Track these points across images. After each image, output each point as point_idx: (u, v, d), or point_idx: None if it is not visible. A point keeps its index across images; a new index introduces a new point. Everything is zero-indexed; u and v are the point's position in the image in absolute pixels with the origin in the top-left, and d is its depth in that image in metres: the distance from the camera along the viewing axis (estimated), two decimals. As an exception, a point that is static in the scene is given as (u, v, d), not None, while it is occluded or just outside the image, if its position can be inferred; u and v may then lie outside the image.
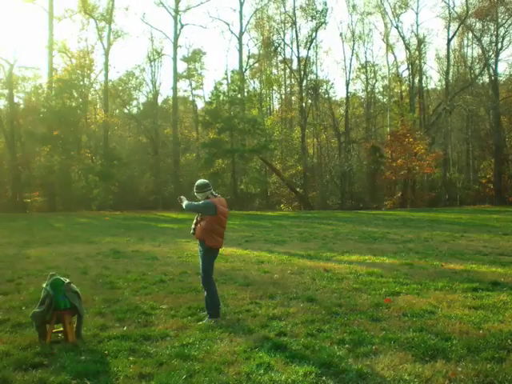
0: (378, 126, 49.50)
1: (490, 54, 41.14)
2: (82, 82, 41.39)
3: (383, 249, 12.65)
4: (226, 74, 43.37)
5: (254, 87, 49.00)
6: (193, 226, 6.48)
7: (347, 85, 44.97)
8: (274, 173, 42.58)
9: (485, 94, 41.59)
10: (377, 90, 50.37)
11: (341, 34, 45.68)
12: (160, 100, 51.74)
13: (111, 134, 45.12)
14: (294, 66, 47.82)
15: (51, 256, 12.22)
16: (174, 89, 44.19)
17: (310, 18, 44.40)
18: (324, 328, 5.67)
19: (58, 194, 39.74)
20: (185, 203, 6.45)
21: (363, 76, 48.27)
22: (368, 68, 47.53)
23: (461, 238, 14.88)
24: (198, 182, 6.54)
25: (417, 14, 44.65)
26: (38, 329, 5.34)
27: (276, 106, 53.46)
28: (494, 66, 41.56)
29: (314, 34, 44.43)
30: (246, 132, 36.97)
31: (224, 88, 38.84)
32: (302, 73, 44.38)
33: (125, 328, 5.78)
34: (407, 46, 44.41)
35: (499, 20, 40.00)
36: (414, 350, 4.86)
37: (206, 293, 6.30)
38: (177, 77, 44.87)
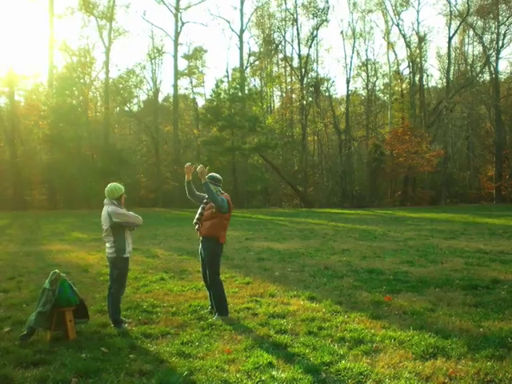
0: (378, 124, 49.45)
1: (491, 52, 41.13)
2: (82, 80, 41.38)
3: (384, 247, 12.65)
4: (226, 71, 43.54)
5: (254, 85, 49.00)
6: (197, 216, 6.29)
7: (348, 82, 45.02)
8: (274, 170, 42.58)
9: (485, 92, 41.54)
10: (377, 88, 50.36)
11: (341, 32, 45.54)
12: (161, 98, 51.78)
13: (112, 131, 45.09)
14: (295, 63, 47.82)
15: (52, 253, 12.23)
16: (175, 86, 44.21)
17: (311, 16, 44.40)
18: (324, 326, 5.68)
19: (59, 192, 39.74)
20: (206, 181, 6.03)
21: (364, 74, 48.27)
22: (369, 66, 47.50)
23: (461, 236, 14.88)
24: (215, 174, 6.38)
25: (418, 11, 44.74)
26: (45, 323, 5.32)
27: (277, 103, 53.48)
28: (494, 64, 41.61)
29: (315, 32, 44.46)
30: (246, 130, 36.96)
31: (225, 86, 38.87)
32: (303, 70, 44.37)
33: (126, 325, 5.79)
34: (408, 44, 44.39)
35: (500, 18, 39.98)
36: (415, 347, 4.86)
37: (212, 291, 6.24)
38: (177, 74, 44.87)
